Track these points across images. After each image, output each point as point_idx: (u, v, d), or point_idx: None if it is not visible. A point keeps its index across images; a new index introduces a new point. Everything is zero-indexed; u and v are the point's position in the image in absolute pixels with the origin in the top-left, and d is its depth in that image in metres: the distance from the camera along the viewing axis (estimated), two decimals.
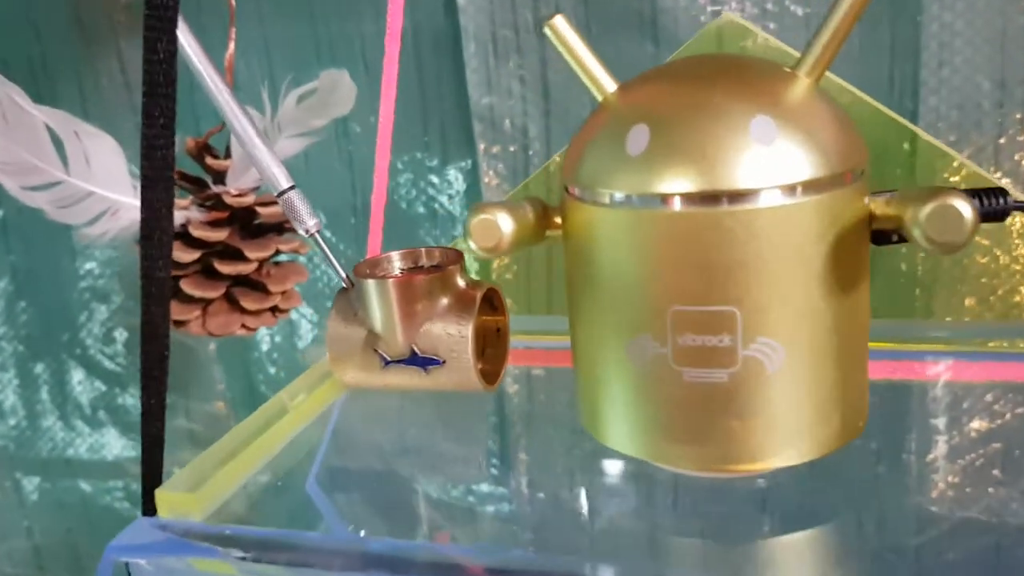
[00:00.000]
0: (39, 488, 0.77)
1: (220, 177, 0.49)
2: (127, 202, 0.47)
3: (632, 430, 0.27)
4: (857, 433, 0.28)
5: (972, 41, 0.48)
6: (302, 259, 0.56)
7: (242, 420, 0.36)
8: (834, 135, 0.25)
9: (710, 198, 0.24)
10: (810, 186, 0.24)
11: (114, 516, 0.77)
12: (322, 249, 0.34)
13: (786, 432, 0.26)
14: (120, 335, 0.71)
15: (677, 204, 0.25)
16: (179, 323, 0.49)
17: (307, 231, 0.33)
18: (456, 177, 0.60)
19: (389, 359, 0.32)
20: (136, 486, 0.77)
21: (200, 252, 0.48)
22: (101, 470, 0.75)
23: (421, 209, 0.61)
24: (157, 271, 0.25)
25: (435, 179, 0.60)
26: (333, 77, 0.45)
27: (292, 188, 0.33)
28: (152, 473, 0.29)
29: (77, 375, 0.72)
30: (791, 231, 0.24)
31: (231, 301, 0.50)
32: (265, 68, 0.57)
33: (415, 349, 0.32)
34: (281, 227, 0.51)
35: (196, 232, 0.47)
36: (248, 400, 0.71)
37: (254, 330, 0.51)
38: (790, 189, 0.24)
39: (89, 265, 0.69)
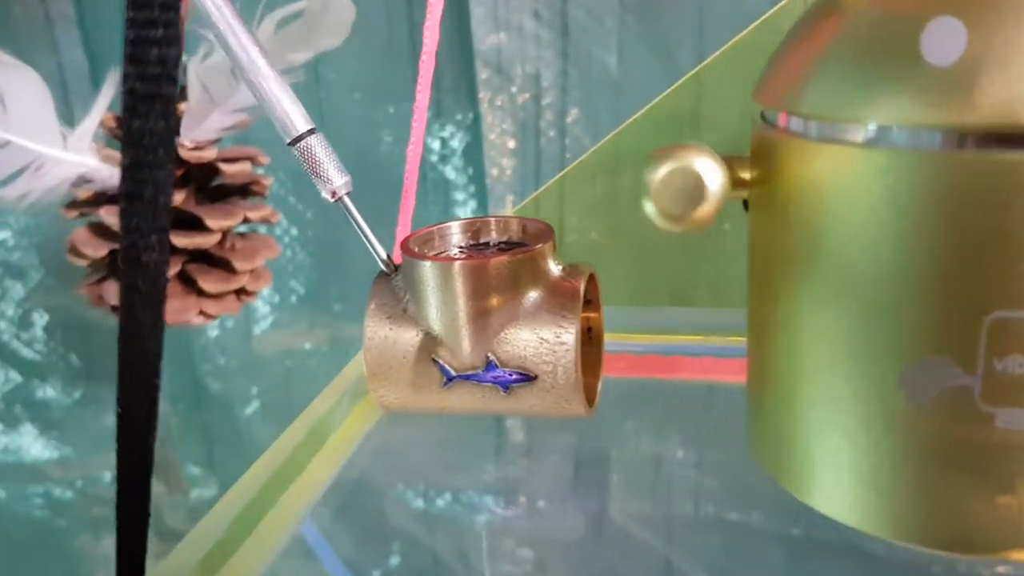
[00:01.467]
0: None
1: None
2: (53, 155, 0.37)
3: (880, 495, 0.19)
4: None
5: None
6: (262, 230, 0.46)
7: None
8: None
9: None
10: None
11: (31, 526, 0.66)
12: (353, 217, 0.24)
13: None
14: (39, 318, 0.60)
15: (1017, 147, 0.16)
16: (117, 309, 0.39)
17: (333, 193, 0.24)
18: (452, 134, 0.50)
19: (454, 373, 0.23)
20: (59, 492, 0.67)
21: None
22: (17, 474, 0.64)
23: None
24: (147, 251, 0.15)
25: (427, 137, 0.51)
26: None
27: (312, 132, 0.24)
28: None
29: None
30: None
31: (186, 281, 0.40)
32: None
33: (492, 359, 0.23)
34: (245, 189, 0.42)
35: None
36: (190, 397, 0.61)
37: (213, 318, 0.41)
38: None
39: (0, 234, 0.58)
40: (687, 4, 0.44)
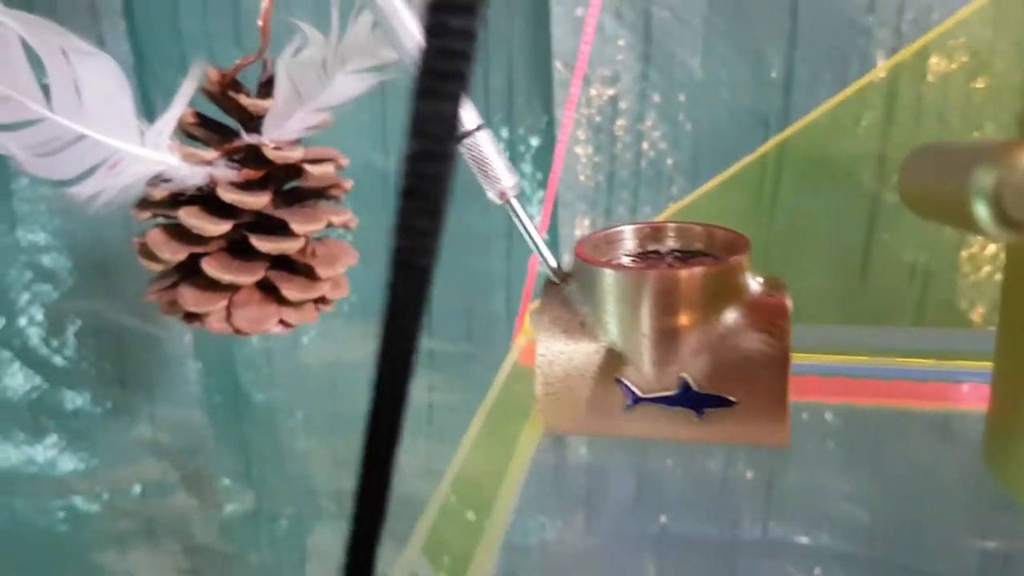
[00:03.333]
0: None
1: (252, 124, 0.37)
2: (131, 151, 0.35)
3: None
4: None
5: None
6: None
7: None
8: None
9: None
10: None
11: (53, 542, 0.63)
12: (521, 222, 0.22)
13: None
14: (71, 324, 0.57)
15: None
16: (193, 316, 0.37)
17: (501, 194, 0.22)
18: (525, 136, 0.48)
19: (640, 395, 0.21)
20: (84, 506, 0.64)
21: (231, 223, 0.36)
22: (40, 485, 0.61)
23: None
24: (423, 255, 0.13)
25: (499, 139, 0.49)
26: None
27: (480, 128, 0.22)
28: None
29: (13, 370, 0.58)
30: None
31: (265, 289, 0.38)
32: None
33: (688, 381, 0.21)
34: (323, 193, 0.39)
35: (228, 196, 0.35)
36: (231, 406, 0.59)
37: (292, 327, 0.39)
38: None
39: (32, 236, 0.55)
40: (779, 4, 0.43)
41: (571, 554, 0.53)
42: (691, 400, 0.21)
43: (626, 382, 0.21)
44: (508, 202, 0.22)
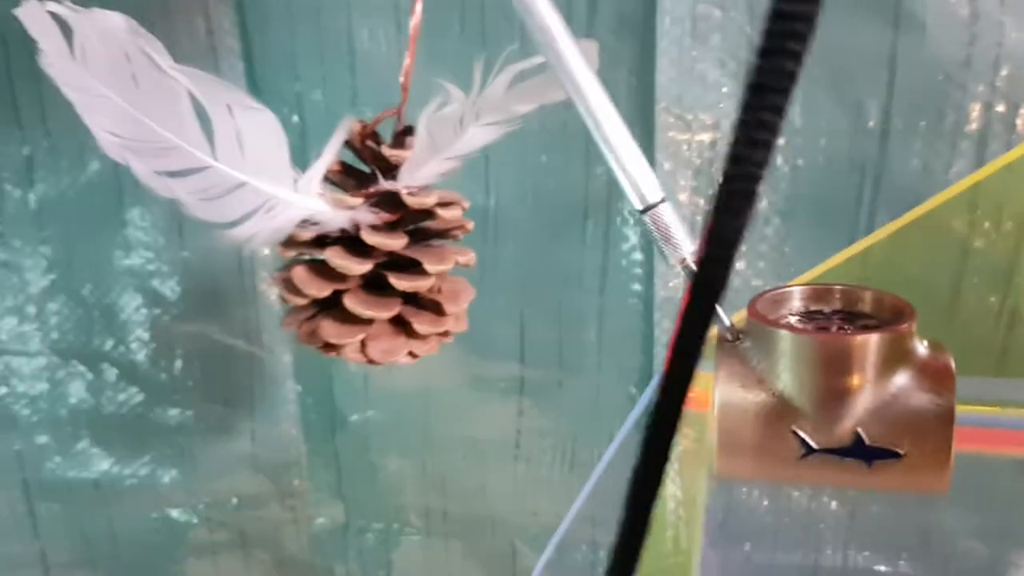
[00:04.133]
0: (57, 516, 0.65)
1: (389, 171, 0.39)
2: (284, 197, 0.37)
3: None
4: None
5: None
6: None
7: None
8: None
9: None
10: None
11: (147, 551, 0.66)
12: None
13: None
14: (176, 344, 0.60)
15: None
16: (331, 346, 0.40)
17: (681, 260, 0.24)
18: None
19: (816, 446, 0.23)
20: (178, 515, 0.67)
21: (372, 263, 0.38)
22: (137, 497, 0.64)
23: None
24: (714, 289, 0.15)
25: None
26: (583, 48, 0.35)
27: (663, 200, 0.24)
28: None
29: (120, 388, 0.61)
30: None
31: (396, 323, 0.40)
32: (477, 34, 0.47)
33: (862, 436, 0.23)
34: (446, 234, 0.42)
35: (371, 239, 0.38)
36: (326, 424, 0.62)
37: (417, 358, 0.41)
38: None
39: (146, 263, 0.58)
40: (878, 55, 0.45)
41: None
42: (862, 452, 0.23)
43: (801, 434, 0.23)
44: (687, 267, 0.25)
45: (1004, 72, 0.44)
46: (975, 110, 0.45)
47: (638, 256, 0.52)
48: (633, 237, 0.51)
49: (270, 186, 0.37)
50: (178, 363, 0.61)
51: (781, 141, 0.48)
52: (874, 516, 0.54)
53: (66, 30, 0.34)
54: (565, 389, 0.57)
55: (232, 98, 0.36)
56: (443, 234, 0.42)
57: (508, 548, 0.64)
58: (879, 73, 0.45)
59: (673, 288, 0.51)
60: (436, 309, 0.40)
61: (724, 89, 0.47)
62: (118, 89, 0.34)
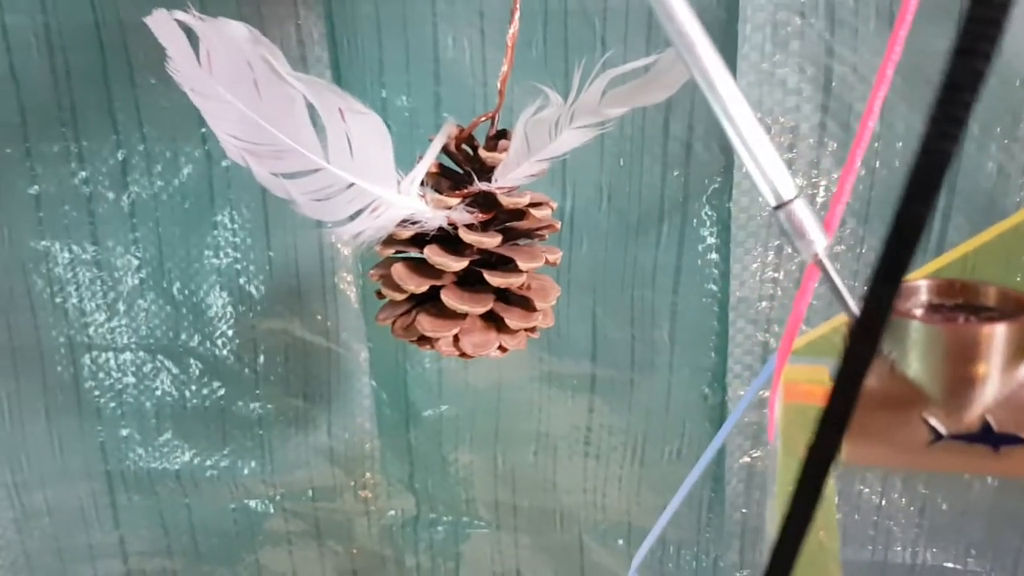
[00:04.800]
0: (138, 506, 0.68)
1: (485, 173, 0.41)
2: (388, 197, 0.39)
3: None
4: None
5: None
6: None
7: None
8: None
9: None
10: None
11: (226, 540, 0.69)
12: (829, 276, 0.26)
13: None
14: (259, 340, 0.63)
15: None
16: (426, 340, 0.42)
17: (814, 255, 0.25)
18: (702, 183, 0.52)
19: (945, 433, 0.24)
20: (255, 504, 0.69)
21: (468, 259, 0.40)
22: (217, 488, 0.67)
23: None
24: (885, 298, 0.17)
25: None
26: (672, 59, 0.37)
27: (797, 196, 0.26)
28: None
29: (204, 382, 0.64)
30: None
31: (488, 318, 0.42)
32: (559, 42, 0.49)
33: (991, 423, 0.24)
34: (533, 233, 0.44)
35: (468, 237, 0.40)
36: (400, 418, 0.63)
37: (506, 351, 0.43)
38: None
39: (233, 262, 0.61)
40: None
41: None
42: (990, 438, 0.24)
43: (932, 420, 0.25)
44: (820, 262, 0.26)
45: None
46: None
47: (714, 256, 0.53)
48: (710, 238, 0.53)
49: (376, 187, 0.39)
50: (260, 358, 0.63)
51: None
52: (943, 513, 0.55)
53: (192, 38, 0.36)
54: (637, 387, 0.59)
55: (343, 103, 0.38)
56: (530, 233, 0.44)
57: (576, 543, 0.65)
58: None
59: (749, 288, 0.52)
60: (526, 305, 0.42)
61: (804, 94, 0.48)
62: (240, 95, 0.36)
